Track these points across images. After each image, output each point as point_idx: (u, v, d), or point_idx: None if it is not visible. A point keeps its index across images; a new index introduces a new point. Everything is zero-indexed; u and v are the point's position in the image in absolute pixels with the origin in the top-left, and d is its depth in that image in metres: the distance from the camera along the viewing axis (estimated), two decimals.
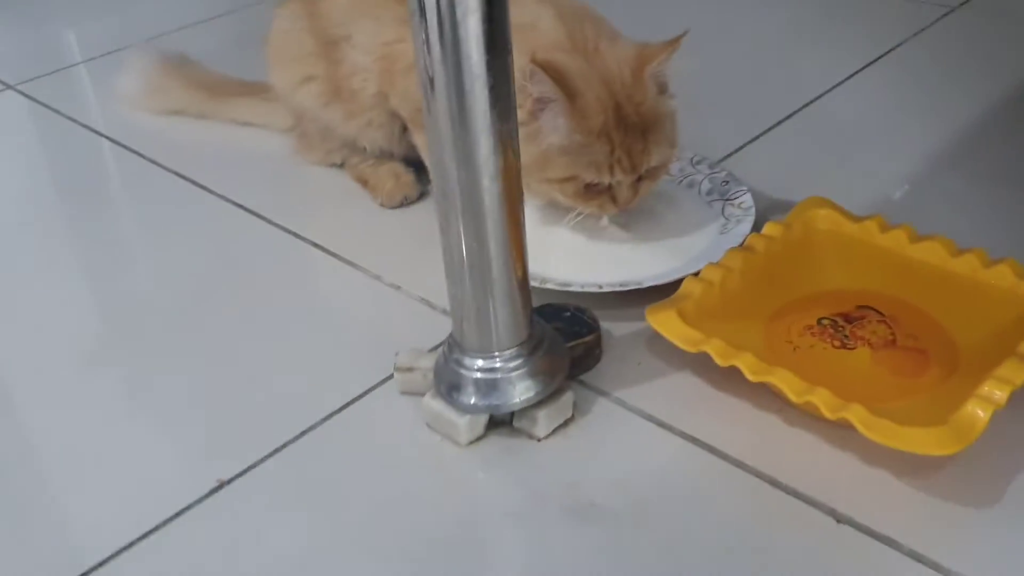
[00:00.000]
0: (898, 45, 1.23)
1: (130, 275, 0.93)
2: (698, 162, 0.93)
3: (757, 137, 1.05)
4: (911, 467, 0.63)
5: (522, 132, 0.76)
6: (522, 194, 0.64)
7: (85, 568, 0.61)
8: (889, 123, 1.07)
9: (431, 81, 0.57)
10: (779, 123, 1.08)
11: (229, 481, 0.67)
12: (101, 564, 0.61)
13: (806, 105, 1.12)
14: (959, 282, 0.73)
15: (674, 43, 0.79)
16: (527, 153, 0.78)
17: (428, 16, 0.55)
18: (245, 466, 0.68)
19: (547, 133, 0.78)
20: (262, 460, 0.69)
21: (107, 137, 1.17)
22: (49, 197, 1.09)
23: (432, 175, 0.63)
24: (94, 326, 0.86)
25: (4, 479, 0.69)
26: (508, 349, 0.67)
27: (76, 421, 0.74)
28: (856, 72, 1.18)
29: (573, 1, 0.86)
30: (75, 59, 1.42)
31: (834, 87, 1.15)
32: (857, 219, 0.80)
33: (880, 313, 0.73)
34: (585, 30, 0.81)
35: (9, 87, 1.33)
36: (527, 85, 0.75)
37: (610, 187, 0.80)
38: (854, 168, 0.98)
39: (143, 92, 1.19)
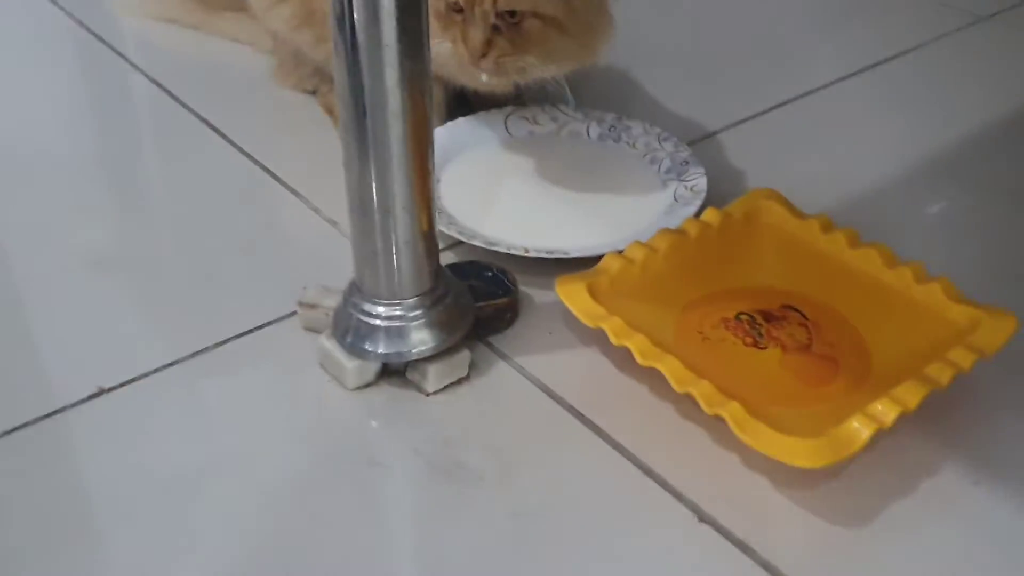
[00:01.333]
0: (915, 47, 1.18)
1: (86, 175, 0.93)
2: (665, 139, 0.90)
3: (743, 120, 1.01)
4: (790, 478, 0.60)
5: None
6: (431, 140, 0.62)
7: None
8: (884, 125, 1.03)
9: (340, 4, 0.55)
10: (769, 109, 1.04)
11: (110, 389, 0.67)
12: None
13: (804, 95, 1.07)
14: (889, 295, 0.70)
15: None
16: None
17: None
18: (131, 376, 0.68)
19: None
20: (152, 372, 0.69)
21: (99, 38, 1.16)
22: (36, 94, 1.09)
23: (338, 108, 0.61)
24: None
25: None
26: (407, 299, 0.66)
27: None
28: (865, 68, 1.13)
29: None
30: None
31: (838, 80, 1.10)
32: (802, 216, 0.77)
33: (804, 316, 0.70)
34: None
35: None
36: None
37: (465, 23, 0.77)
38: (832, 166, 0.94)
39: None
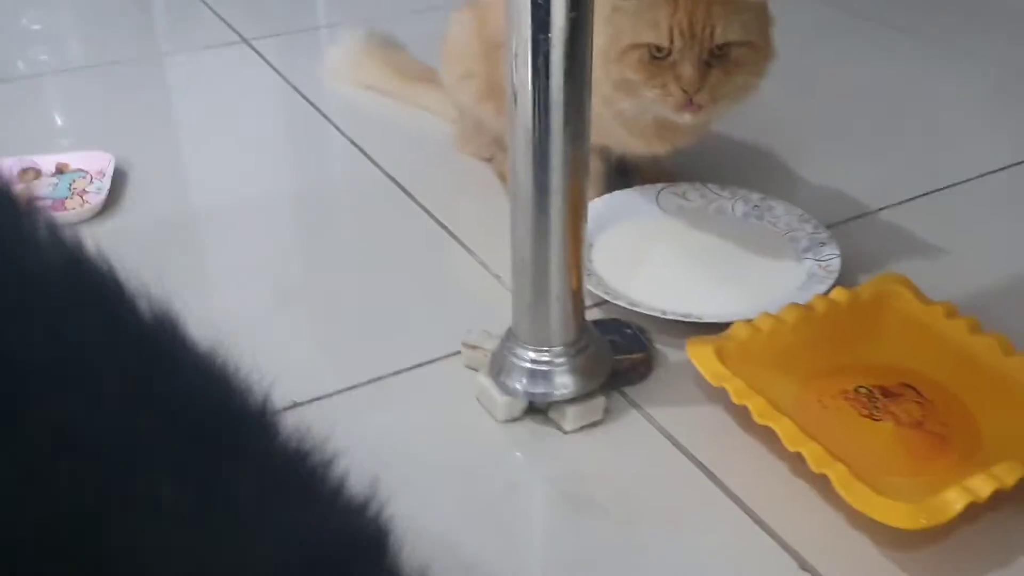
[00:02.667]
0: None
1: (284, 223, 1.08)
2: (805, 220, 0.97)
3: (887, 207, 1.07)
4: (892, 539, 0.66)
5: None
6: (585, 212, 0.72)
7: None
8: None
9: (515, 97, 0.66)
10: (919, 196, 1.09)
11: (301, 403, 0.79)
12: None
13: (956, 184, 1.11)
14: (1006, 382, 0.74)
15: None
16: (602, 34, 0.82)
17: (519, 42, 0.64)
18: (319, 395, 0.80)
19: None
20: (336, 393, 0.81)
21: (306, 98, 1.34)
22: (248, 146, 1.26)
23: (509, 178, 0.71)
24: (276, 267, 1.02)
25: None
26: (554, 347, 0.75)
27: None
28: (1015, 163, 1.16)
29: None
30: (310, 25, 1.61)
31: (995, 171, 1.14)
32: (927, 301, 0.82)
33: (920, 394, 0.75)
34: None
35: (244, 41, 1.53)
36: None
37: (675, 65, 0.85)
38: (970, 256, 0.98)
39: (347, 65, 1.35)
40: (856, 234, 1.01)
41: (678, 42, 0.84)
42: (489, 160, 1.14)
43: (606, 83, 0.88)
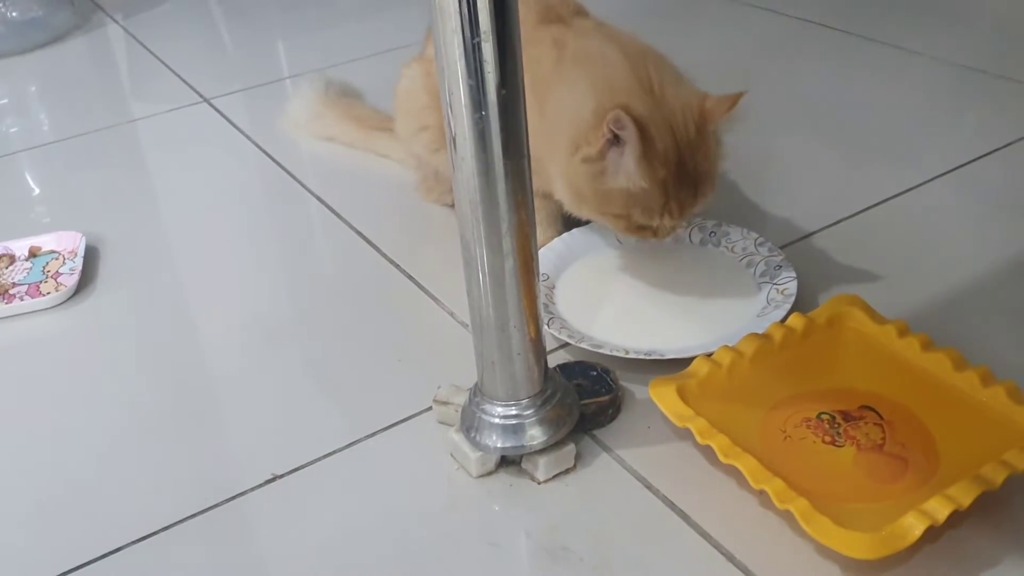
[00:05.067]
0: (1021, 139, 1.22)
1: (256, 286, 1.10)
2: (761, 243, 0.99)
3: (839, 221, 1.09)
4: (860, 566, 0.68)
5: (588, 168, 0.87)
6: (536, 267, 0.74)
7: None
8: (984, 221, 1.08)
9: (459, 171, 0.68)
10: (870, 207, 1.11)
11: (281, 475, 0.81)
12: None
13: (905, 192, 1.14)
14: (958, 397, 0.77)
15: (735, 100, 0.86)
16: (589, 187, 0.87)
17: (456, 121, 0.66)
18: (298, 464, 0.82)
19: (612, 173, 0.85)
20: (314, 461, 0.83)
21: (269, 155, 1.36)
22: (217, 207, 1.28)
23: (460, 245, 0.73)
24: (237, 315, 1.03)
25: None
26: (520, 400, 0.77)
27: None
28: (969, 162, 1.18)
29: (634, 39, 0.94)
30: (273, 77, 1.63)
31: (942, 175, 1.16)
32: (881, 321, 0.84)
33: (880, 416, 0.78)
34: (650, 70, 0.88)
35: (204, 100, 1.55)
36: (605, 126, 0.83)
37: (658, 229, 0.89)
38: (925, 266, 1.00)
39: (306, 118, 1.37)
40: (809, 253, 1.03)
41: (667, 222, 0.88)
42: (451, 206, 1.16)
43: (573, 186, 0.90)
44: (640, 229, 0.89)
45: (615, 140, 0.84)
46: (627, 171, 0.84)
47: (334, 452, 0.83)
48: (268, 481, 0.81)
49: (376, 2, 1.94)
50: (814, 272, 0.99)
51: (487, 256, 0.71)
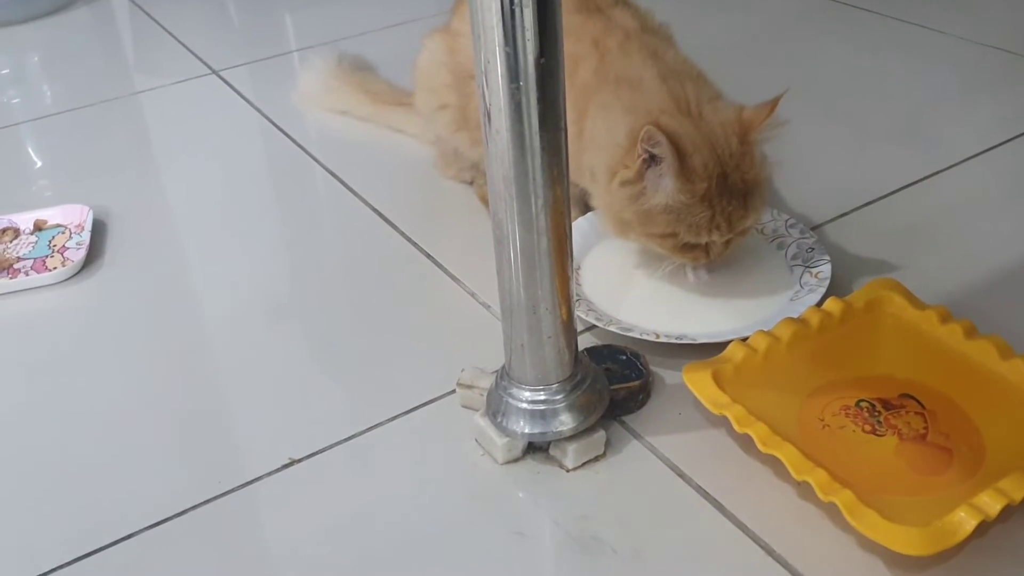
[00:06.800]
0: None
1: (270, 261, 1.07)
2: (792, 225, 0.96)
3: (870, 203, 1.06)
4: (903, 560, 0.65)
5: (628, 191, 0.84)
6: (570, 248, 0.71)
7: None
8: (1015, 204, 1.05)
9: (492, 145, 0.65)
10: (898, 190, 1.08)
11: (300, 460, 0.78)
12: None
13: (934, 174, 1.11)
14: (1004, 387, 0.74)
15: (773, 106, 0.83)
16: (630, 210, 0.85)
17: (491, 91, 0.63)
18: (315, 449, 0.79)
19: (651, 193, 0.83)
20: (334, 445, 0.80)
21: (280, 129, 1.32)
22: (226, 181, 1.24)
23: (492, 224, 0.70)
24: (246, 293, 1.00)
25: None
26: (550, 384, 0.75)
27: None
28: (999, 144, 1.15)
29: (676, 56, 0.91)
30: (281, 50, 1.60)
31: (970, 157, 1.13)
32: (921, 306, 0.81)
33: (921, 405, 0.75)
34: (687, 91, 0.86)
35: (214, 72, 1.51)
36: (640, 146, 0.81)
37: (706, 243, 0.86)
38: (958, 249, 0.97)
39: (319, 91, 1.34)
40: (840, 234, 1.00)
41: (716, 237, 0.84)
42: (470, 183, 1.13)
43: (615, 213, 0.87)
44: (690, 248, 0.86)
45: (651, 159, 0.82)
46: (665, 187, 0.82)
47: (353, 436, 0.80)
48: (285, 465, 0.78)
49: None
50: (844, 255, 0.96)
51: (520, 234, 0.68)
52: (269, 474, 0.77)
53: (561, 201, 0.68)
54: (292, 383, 0.87)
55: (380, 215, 1.11)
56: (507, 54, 0.61)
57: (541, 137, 0.64)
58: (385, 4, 1.73)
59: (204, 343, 0.94)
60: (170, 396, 0.87)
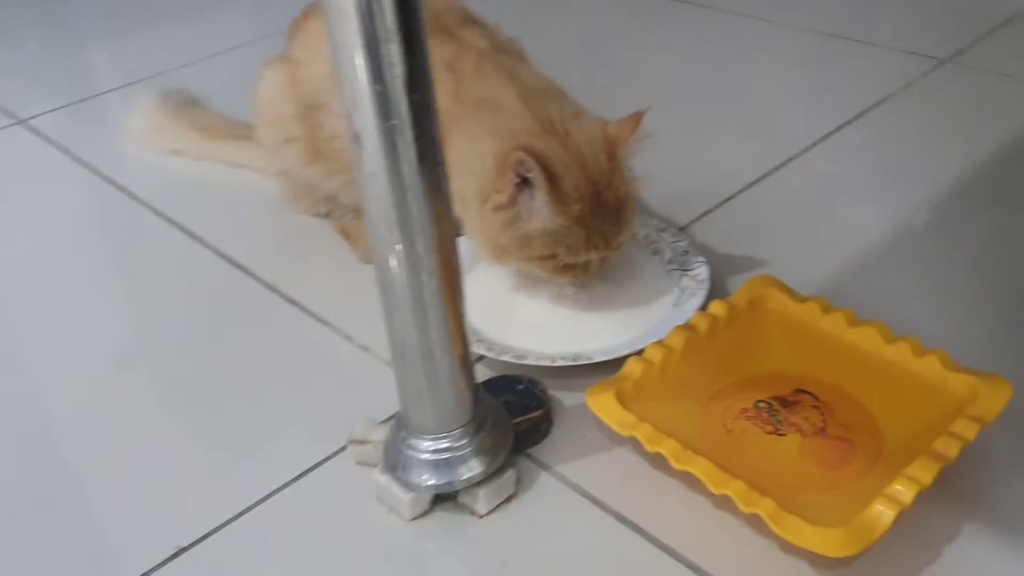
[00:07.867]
0: (884, 100, 1.25)
1: (108, 324, 0.98)
2: (662, 229, 0.96)
3: (730, 198, 1.08)
4: (827, 559, 0.65)
5: (501, 216, 0.82)
6: (462, 289, 0.67)
7: None
8: (867, 184, 1.09)
9: (368, 186, 0.61)
10: (754, 183, 1.10)
11: (187, 548, 0.71)
12: None
13: (785, 163, 1.14)
14: (891, 371, 0.76)
15: (637, 121, 0.82)
16: (506, 236, 0.82)
17: (365, 131, 0.59)
18: (203, 533, 0.72)
19: (526, 218, 0.81)
20: (221, 526, 0.73)
21: (105, 177, 1.22)
22: (47, 241, 1.13)
23: (375, 269, 0.66)
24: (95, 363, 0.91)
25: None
26: (451, 431, 0.71)
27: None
28: (840, 127, 1.20)
29: (532, 73, 0.89)
30: (92, 91, 1.48)
31: (816, 143, 1.17)
32: (801, 299, 0.82)
33: (816, 398, 0.76)
34: (550, 110, 0.84)
35: (19, 121, 1.38)
36: (508, 171, 0.79)
37: (587, 264, 0.85)
38: (822, 235, 1.00)
39: (146, 132, 1.24)
40: (707, 233, 1.01)
41: (594, 256, 0.83)
42: (326, 216, 1.07)
43: (490, 238, 0.85)
44: (569, 268, 0.85)
45: (523, 183, 0.80)
46: (540, 212, 0.80)
47: (242, 513, 0.74)
48: (173, 556, 0.71)
49: (188, 3, 1.80)
50: (714, 254, 0.97)
51: (408, 278, 0.64)
52: (156, 568, 0.70)
53: (448, 238, 0.64)
54: (163, 465, 0.79)
55: (231, 261, 1.04)
56: (377, 92, 0.57)
57: (421, 175, 0.60)
58: (201, 32, 1.64)
59: (45, 421, 0.85)
60: (12, 489, 0.78)
